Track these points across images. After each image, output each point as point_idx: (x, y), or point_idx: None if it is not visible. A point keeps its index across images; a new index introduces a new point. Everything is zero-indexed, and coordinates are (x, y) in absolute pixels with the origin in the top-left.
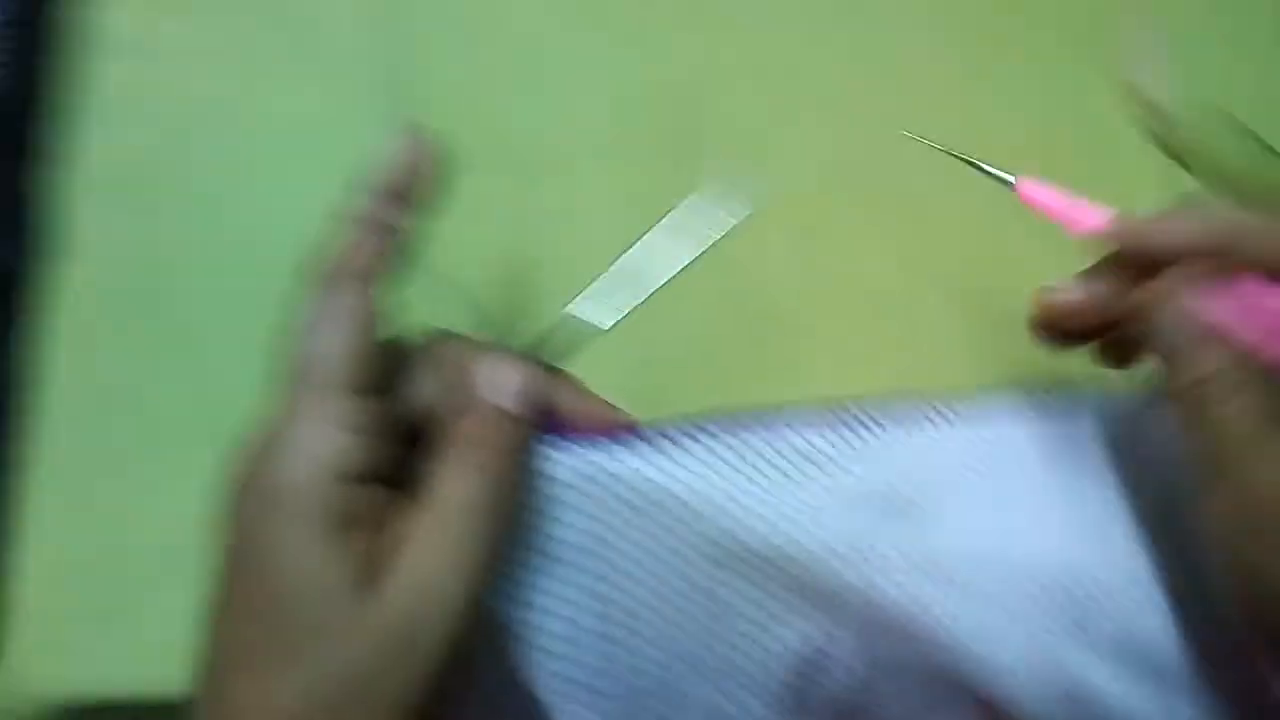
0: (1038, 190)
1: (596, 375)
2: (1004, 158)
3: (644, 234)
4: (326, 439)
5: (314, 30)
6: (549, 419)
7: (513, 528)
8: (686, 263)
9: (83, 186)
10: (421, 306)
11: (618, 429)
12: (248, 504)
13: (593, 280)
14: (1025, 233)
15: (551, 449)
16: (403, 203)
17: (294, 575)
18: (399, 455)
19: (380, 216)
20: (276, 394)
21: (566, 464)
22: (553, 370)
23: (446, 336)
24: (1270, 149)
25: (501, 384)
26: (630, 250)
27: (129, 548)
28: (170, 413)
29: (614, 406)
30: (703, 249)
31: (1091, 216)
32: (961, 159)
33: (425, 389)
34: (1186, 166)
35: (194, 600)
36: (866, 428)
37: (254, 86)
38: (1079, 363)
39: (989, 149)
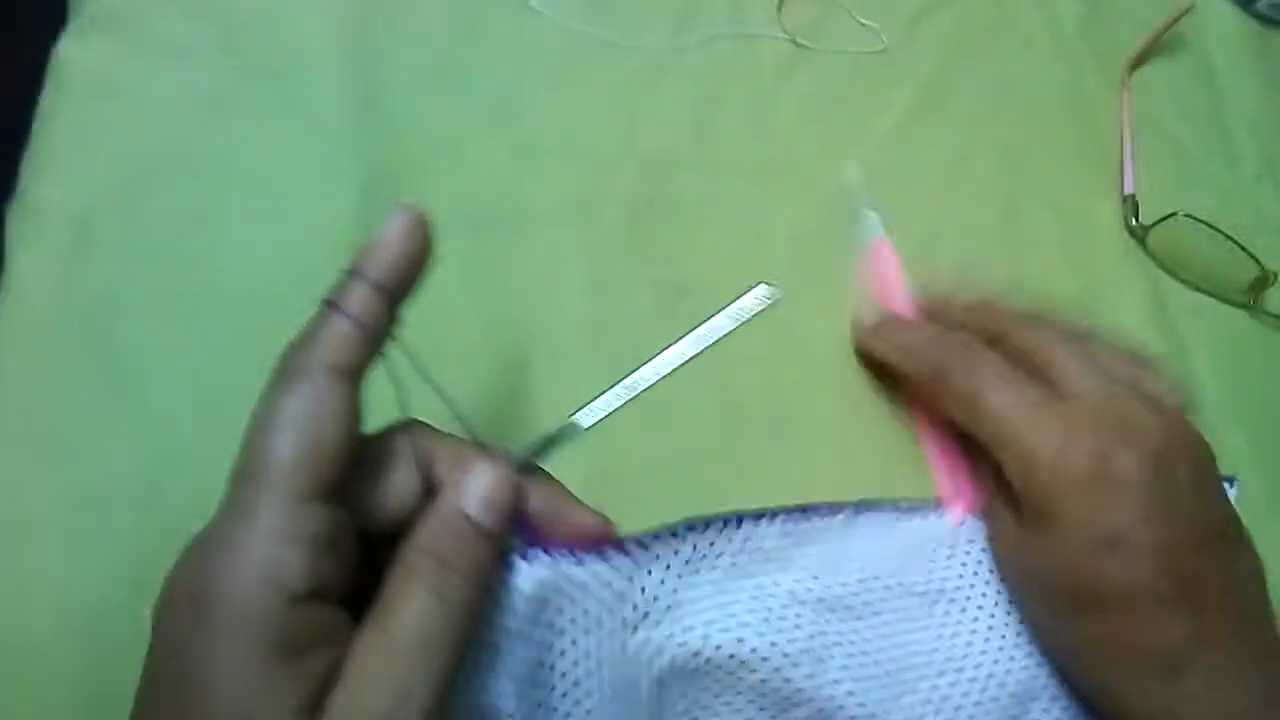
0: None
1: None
2: (985, 239)
3: (662, 349)
4: (276, 554)
5: (293, 81)
6: (524, 527)
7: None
8: (674, 365)
9: (39, 224)
10: (395, 395)
11: (598, 540)
12: (184, 613)
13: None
14: None
15: (521, 558)
16: (390, 290)
17: (229, 702)
18: (363, 564)
19: (363, 304)
20: (230, 489)
21: (531, 574)
22: (533, 472)
23: (421, 433)
24: (1239, 245)
25: (476, 492)
26: (642, 366)
27: (37, 617)
28: (104, 472)
29: (594, 513)
30: (698, 349)
31: (898, 299)
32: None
33: (397, 492)
34: (1158, 260)
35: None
36: (819, 515)
37: (225, 133)
38: None
39: (969, 232)
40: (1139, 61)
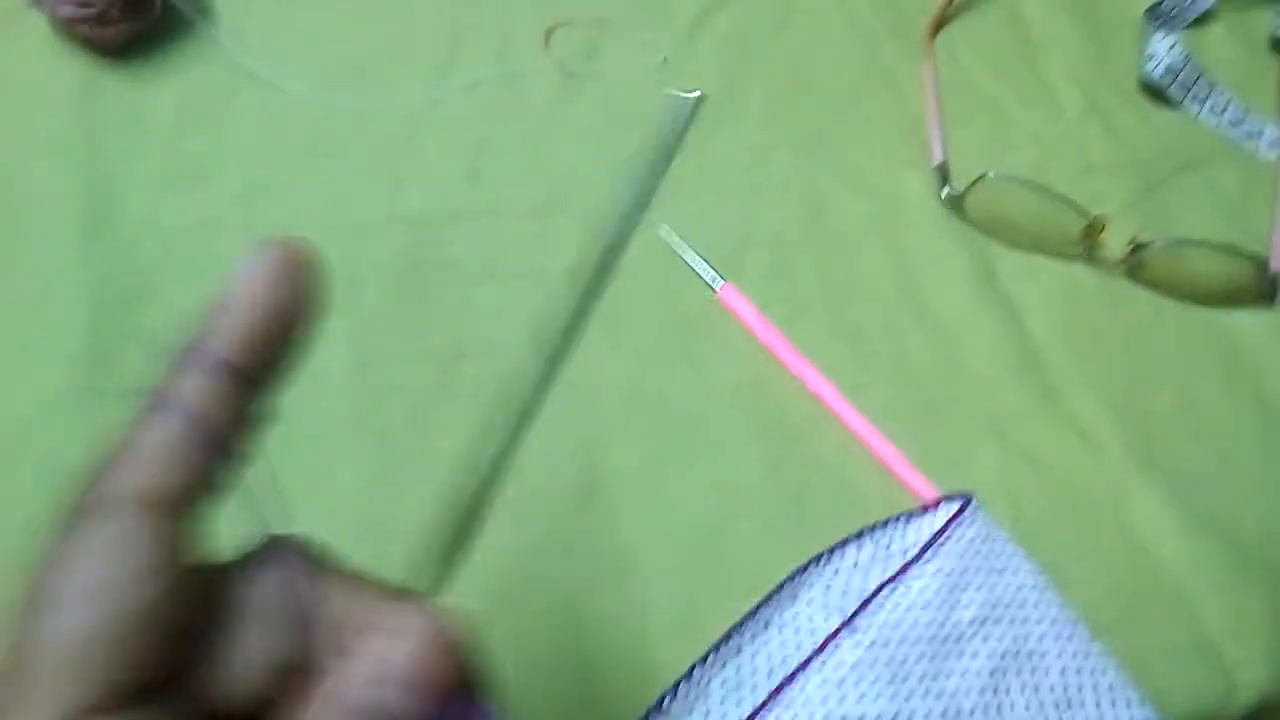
0: (736, 299)
1: None
2: (795, 237)
3: None
4: None
5: (14, 208)
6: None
7: None
8: None
9: None
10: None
11: None
12: None
13: None
14: None
15: None
16: (247, 370)
17: None
18: None
19: (202, 395)
20: None
21: None
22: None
23: (305, 564)
24: (1059, 196)
25: (383, 669)
26: None
27: None
28: None
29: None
30: None
31: (771, 333)
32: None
33: (252, 665)
34: (978, 226)
35: None
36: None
37: None
38: None
39: (777, 233)
40: (939, 24)
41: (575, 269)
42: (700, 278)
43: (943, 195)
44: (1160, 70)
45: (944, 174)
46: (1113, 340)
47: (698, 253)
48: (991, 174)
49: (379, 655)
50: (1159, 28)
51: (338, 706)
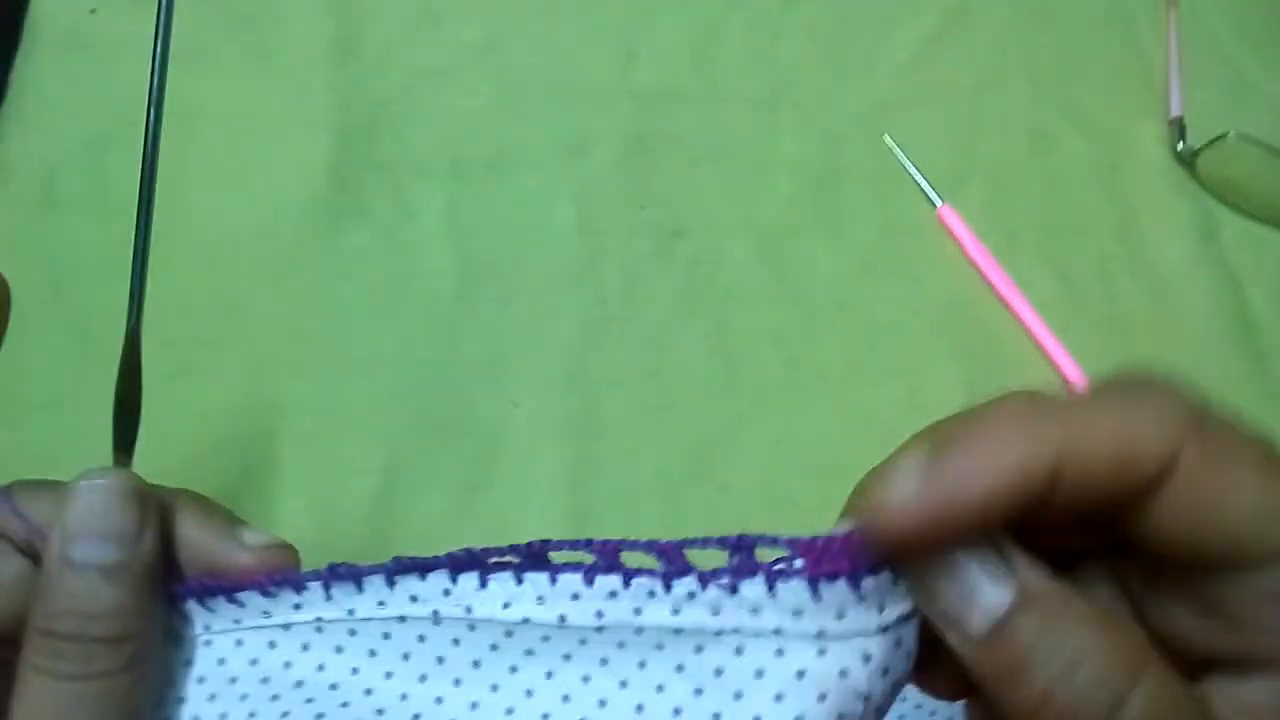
0: (954, 220)
1: None
2: (1015, 171)
3: None
4: None
5: (266, 28)
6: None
7: None
8: None
9: (6, 179)
10: None
11: (262, 575)
12: None
13: None
14: None
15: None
16: None
17: None
18: None
19: None
20: None
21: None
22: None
23: (22, 494)
24: None
25: (73, 525)
26: None
27: None
28: (67, 429)
29: (251, 532)
30: None
31: (986, 259)
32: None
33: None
34: (1208, 187)
35: None
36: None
37: (195, 84)
38: None
39: (997, 164)
40: None
41: (796, 163)
42: (922, 192)
43: (1177, 149)
44: None
45: (1180, 129)
46: None
47: (917, 169)
48: (1233, 134)
49: (61, 518)
50: None
51: (40, 578)
